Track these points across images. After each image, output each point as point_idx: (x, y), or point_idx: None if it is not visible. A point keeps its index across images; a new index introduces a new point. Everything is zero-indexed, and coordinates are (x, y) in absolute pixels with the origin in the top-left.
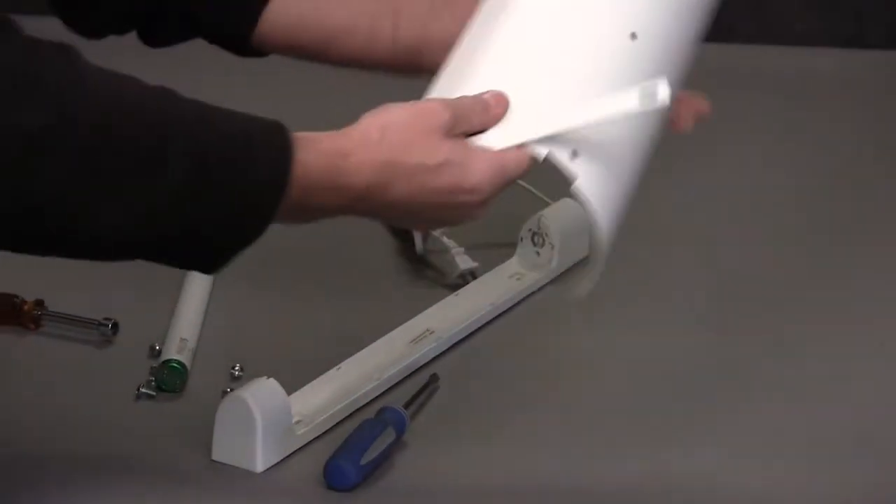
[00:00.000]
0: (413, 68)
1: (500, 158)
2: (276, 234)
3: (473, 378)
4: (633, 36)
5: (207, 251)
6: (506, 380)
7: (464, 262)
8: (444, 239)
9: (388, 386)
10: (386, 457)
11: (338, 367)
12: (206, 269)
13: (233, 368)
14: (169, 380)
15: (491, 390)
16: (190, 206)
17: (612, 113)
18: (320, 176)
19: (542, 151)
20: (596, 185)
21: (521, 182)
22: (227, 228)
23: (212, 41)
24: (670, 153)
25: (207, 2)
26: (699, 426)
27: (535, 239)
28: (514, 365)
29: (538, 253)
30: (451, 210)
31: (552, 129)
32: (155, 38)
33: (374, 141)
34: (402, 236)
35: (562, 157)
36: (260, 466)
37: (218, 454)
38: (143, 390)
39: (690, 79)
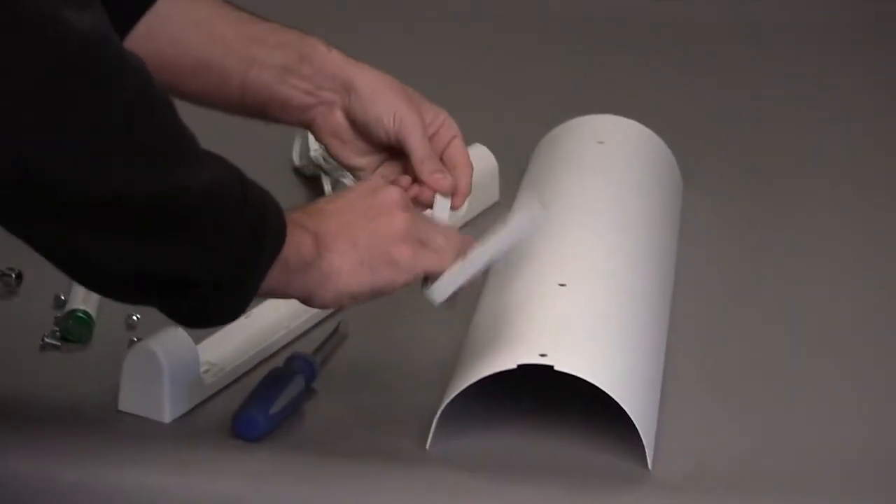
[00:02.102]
0: (261, 117)
1: None
2: None
3: (384, 325)
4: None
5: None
6: (416, 326)
7: None
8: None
9: (298, 334)
10: (295, 406)
11: (247, 314)
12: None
13: (131, 317)
14: (75, 330)
15: (401, 339)
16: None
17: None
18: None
19: None
20: None
21: None
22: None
23: None
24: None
25: None
26: None
27: None
28: (422, 311)
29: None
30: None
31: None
32: None
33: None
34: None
35: None
36: (168, 416)
37: (125, 405)
38: (47, 340)
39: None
